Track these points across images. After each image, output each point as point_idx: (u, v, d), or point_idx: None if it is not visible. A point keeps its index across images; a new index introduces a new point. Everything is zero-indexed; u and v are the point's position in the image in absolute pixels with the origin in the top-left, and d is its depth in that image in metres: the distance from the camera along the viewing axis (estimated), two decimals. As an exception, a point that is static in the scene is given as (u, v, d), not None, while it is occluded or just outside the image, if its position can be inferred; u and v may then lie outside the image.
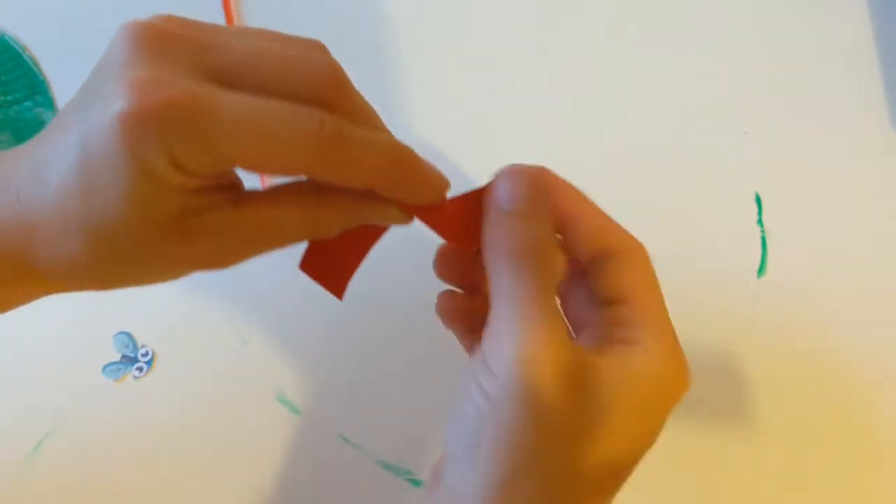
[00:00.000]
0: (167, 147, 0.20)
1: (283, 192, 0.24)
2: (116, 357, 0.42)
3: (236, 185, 0.24)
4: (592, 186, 0.27)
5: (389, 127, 0.25)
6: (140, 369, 0.42)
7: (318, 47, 0.23)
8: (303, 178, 0.24)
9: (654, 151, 0.44)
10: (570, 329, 0.28)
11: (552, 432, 0.23)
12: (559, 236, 0.26)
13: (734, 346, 0.42)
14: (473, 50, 0.46)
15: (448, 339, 0.30)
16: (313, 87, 0.22)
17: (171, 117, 0.20)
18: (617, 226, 0.26)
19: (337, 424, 0.41)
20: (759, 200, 0.44)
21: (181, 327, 0.42)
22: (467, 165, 0.42)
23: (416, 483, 0.41)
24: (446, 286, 0.29)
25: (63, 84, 0.45)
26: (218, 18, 0.45)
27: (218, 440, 0.41)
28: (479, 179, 0.26)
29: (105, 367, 0.42)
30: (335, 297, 0.26)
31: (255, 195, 0.24)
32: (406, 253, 0.39)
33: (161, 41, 0.21)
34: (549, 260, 0.24)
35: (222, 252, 0.23)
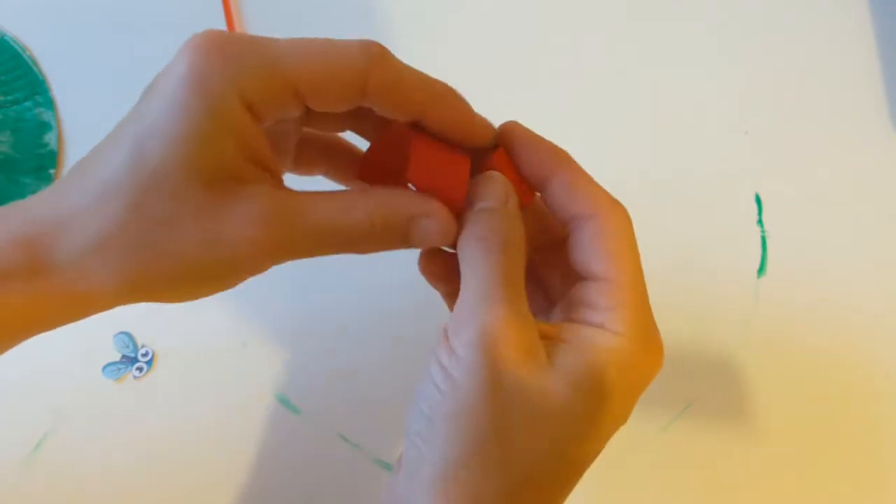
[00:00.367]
0: (234, 73, 0.21)
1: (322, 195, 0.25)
2: (116, 357, 0.42)
3: (278, 174, 0.24)
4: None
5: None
6: (140, 369, 0.42)
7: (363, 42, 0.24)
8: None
9: (654, 151, 0.44)
10: (546, 306, 0.28)
11: (508, 412, 0.22)
12: (538, 194, 0.26)
13: (734, 346, 0.42)
14: (473, 49, 0.46)
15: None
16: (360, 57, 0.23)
17: (233, 46, 0.22)
18: (592, 186, 0.26)
19: (337, 424, 0.41)
20: (759, 200, 0.44)
21: (181, 327, 0.42)
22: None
23: (416, 483, 0.41)
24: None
25: (63, 84, 0.45)
26: (218, 18, 0.45)
27: (218, 440, 0.41)
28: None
29: (105, 367, 0.42)
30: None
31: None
32: (406, 254, 0.39)
33: (216, 41, 0.22)
34: (514, 247, 0.24)
35: (255, 224, 0.22)
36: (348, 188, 0.28)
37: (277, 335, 0.42)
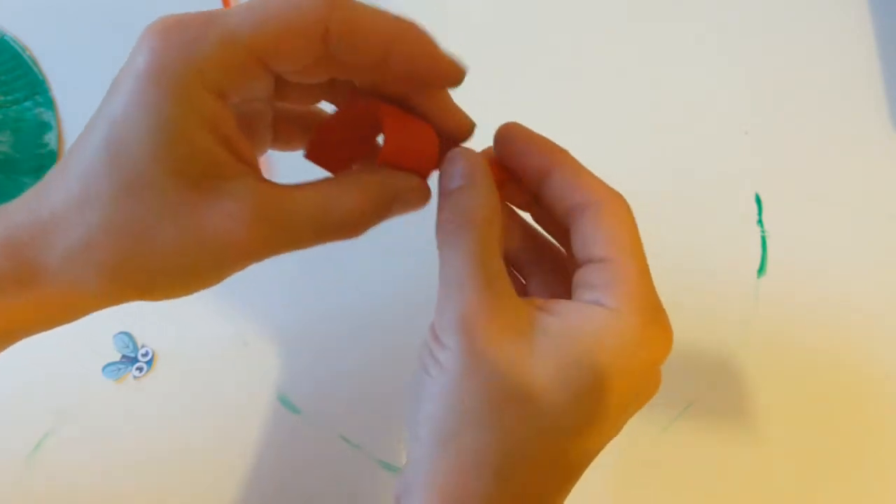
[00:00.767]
0: (191, 54, 0.21)
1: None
2: (116, 357, 0.42)
3: (255, 164, 0.24)
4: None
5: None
6: (140, 369, 0.42)
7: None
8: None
9: (654, 151, 0.44)
10: (544, 293, 0.28)
11: (493, 389, 0.22)
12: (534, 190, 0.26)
13: (734, 345, 0.42)
14: (473, 49, 0.46)
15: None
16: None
17: (186, 26, 0.21)
18: (591, 178, 0.26)
19: (337, 424, 0.41)
20: (759, 200, 0.44)
21: (181, 327, 0.42)
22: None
23: (416, 483, 0.41)
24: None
25: (63, 84, 0.45)
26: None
27: (218, 440, 0.41)
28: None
29: (105, 367, 0.42)
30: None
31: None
32: (407, 254, 0.39)
33: (169, 24, 0.22)
34: (483, 225, 0.24)
35: (241, 223, 0.22)
36: (328, 174, 0.28)
37: (278, 335, 0.42)
